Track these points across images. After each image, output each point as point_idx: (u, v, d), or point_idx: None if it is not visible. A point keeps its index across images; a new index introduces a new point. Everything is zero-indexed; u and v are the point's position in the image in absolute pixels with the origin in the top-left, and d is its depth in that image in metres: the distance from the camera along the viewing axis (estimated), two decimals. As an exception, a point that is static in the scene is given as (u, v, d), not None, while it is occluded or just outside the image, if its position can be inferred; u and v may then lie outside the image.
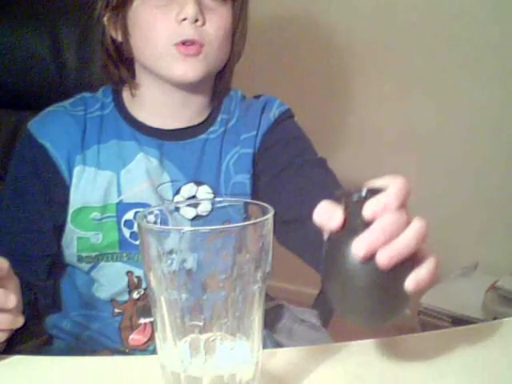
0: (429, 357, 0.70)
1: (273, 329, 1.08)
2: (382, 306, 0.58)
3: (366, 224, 0.55)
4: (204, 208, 0.97)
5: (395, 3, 2.20)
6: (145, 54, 0.94)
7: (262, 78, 1.96)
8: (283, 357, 0.70)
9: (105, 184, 0.95)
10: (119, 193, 0.95)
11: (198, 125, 1.00)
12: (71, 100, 1.00)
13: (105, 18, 0.97)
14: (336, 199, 0.58)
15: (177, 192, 0.97)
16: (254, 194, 1.00)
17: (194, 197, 0.97)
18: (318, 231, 0.84)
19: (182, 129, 0.99)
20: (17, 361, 0.69)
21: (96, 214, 0.94)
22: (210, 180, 0.98)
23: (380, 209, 0.55)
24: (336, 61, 2.35)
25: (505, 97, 2.09)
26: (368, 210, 0.55)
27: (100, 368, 0.71)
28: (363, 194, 0.56)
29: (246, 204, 0.61)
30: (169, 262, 0.53)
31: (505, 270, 2.03)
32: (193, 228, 0.53)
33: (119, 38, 0.97)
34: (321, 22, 2.33)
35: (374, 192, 0.56)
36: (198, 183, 0.97)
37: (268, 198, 0.97)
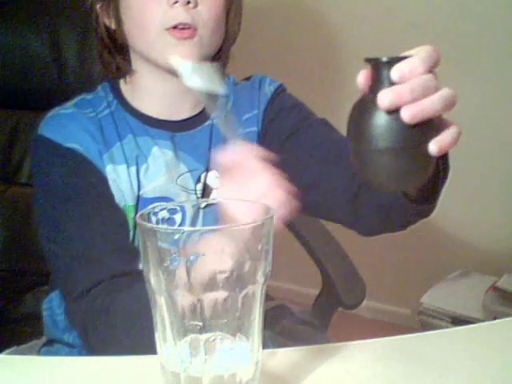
0: (429, 357, 0.70)
1: (273, 329, 1.08)
2: (405, 167, 0.59)
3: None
4: (214, 196, 0.98)
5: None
6: (138, 41, 0.93)
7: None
8: (283, 357, 0.70)
9: (136, 180, 0.93)
10: (139, 188, 0.93)
11: (201, 112, 0.99)
12: (72, 102, 0.97)
13: (98, 6, 0.95)
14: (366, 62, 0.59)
15: (197, 180, 0.96)
16: None
17: (204, 183, 0.97)
18: (335, 192, 0.85)
19: (189, 118, 0.98)
20: (17, 361, 0.69)
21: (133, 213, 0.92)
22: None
23: (408, 71, 0.56)
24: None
25: (504, 97, 2.09)
26: (395, 71, 0.57)
27: (100, 368, 0.71)
28: (391, 59, 0.57)
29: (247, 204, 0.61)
30: (169, 261, 0.53)
31: (505, 269, 2.03)
32: (193, 228, 0.53)
33: (113, 26, 0.95)
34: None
35: (402, 58, 0.57)
36: (208, 169, 0.97)
37: (280, 166, 0.98)
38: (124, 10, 0.92)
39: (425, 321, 2.02)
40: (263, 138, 0.99)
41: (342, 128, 1.06)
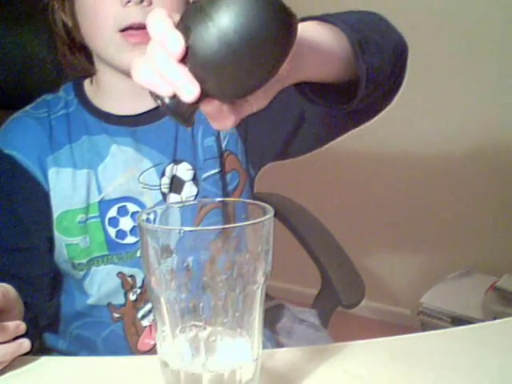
0: (429, 357, 0.70)
1: (273, 329, 1.08)
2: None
3: None
4: (188, 193, 0.94)
5: None
6: (93, 41, 0.89)
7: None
8: (283, 357, 0.70)
9: (84, 184, 0.90)
10: (99, 190, 0.91)
11: None
12: (33, 104, 0.96)
13: (54, 1, 0.93)
14: None
15: (162, 174, 0.93)
16: (243, 154, 0.97)
17: (174, 176, 0.93)
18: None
19: (151, 110, 0.94)
20: (17, 361, 0.69)
21: (82, 217, 0.90)
22: (187, 156, 0.94)
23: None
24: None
25: (503, 100, 2.08)
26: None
27: (100, 368, 0.71)
28: None
29: (246, 204, 0.61)
30: (169, 261, 0.53)
31: (505, 270, 2.03)
32: (193, 228, 0.53)
33: (70, 23, 0.92)
34: None
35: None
36: (177, 161, 0.93)
37: (255, 136, 0.96)
38: (78, 9, 0.89)
39: (425, 321, 2.02)
40: None
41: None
